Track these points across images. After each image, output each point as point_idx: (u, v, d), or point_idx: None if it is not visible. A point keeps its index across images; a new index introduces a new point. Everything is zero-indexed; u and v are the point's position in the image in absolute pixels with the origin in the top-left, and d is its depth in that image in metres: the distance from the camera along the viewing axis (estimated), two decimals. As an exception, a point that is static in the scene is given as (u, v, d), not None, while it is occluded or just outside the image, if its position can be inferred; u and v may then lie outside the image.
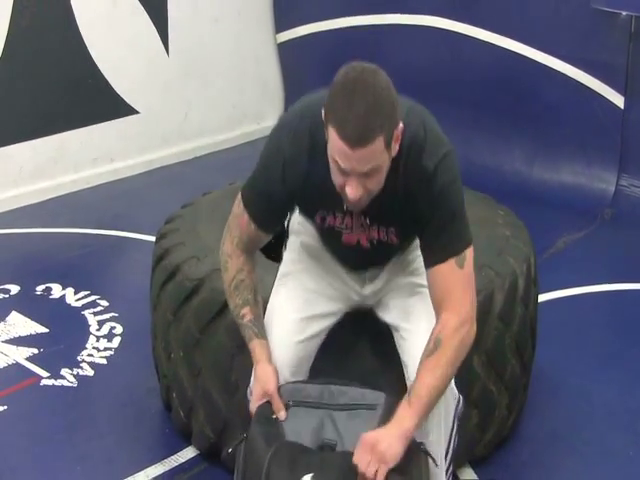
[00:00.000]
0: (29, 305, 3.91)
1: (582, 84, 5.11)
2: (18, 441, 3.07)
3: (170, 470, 2.92)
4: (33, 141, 5.08)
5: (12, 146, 4.99)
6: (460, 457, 2.74)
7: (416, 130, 2.11)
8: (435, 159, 2.11)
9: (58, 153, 5.22)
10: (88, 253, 4.48)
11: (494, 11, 5.34)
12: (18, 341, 3.62)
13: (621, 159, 5.10)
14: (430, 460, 2.17)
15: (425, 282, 2.27)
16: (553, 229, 4.78)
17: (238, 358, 2.68)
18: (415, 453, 2.13)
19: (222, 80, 6.07)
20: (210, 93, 6.01)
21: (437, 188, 2.12)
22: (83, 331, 3.70)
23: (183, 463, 2.96)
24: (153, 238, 3.16)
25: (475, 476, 2.88)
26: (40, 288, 4.06)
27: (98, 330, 3.71)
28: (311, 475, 2.03)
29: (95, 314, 3.84)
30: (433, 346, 2.14)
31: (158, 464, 2.95)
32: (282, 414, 2.20)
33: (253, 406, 2.26)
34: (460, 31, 5.44)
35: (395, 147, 2.05)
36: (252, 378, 2.35)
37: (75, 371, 3.42)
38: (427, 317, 2.26)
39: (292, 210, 2.42)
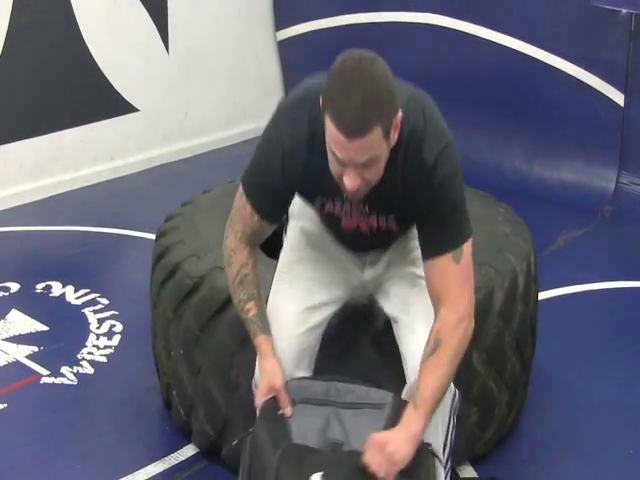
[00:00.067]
0: (29, 303, 3.91)
1: (582, 82, 5.11)
2: (18, 439, 3.07)
3: (170, 468, 2.92)
4: (33, 139, 5.08)
5: (12, 144, 5.00)
6: (460, 455, 2.75)
7: (416, 120, 2.09)
8: (435, 151, 2.09)
9: (58, 151, 5.22)
10: (88, 251, 4.48)
11: (494, 9, 5.34)
12: (18, 339, 3.62)
13: (621, 157, 5.10)
14: (436, 460, 2.17)
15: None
16: (553, 227, 4.78)
17: (238, 356, 2.68)
18: (423, 455, 2.12)
19: (222, 78, 6.07)
20: (210, 91, 6.01)
21: (437, 181, 2.10)
22: (83, 329, 3.70)
23: (183, 461, 2.95)
24: (153, 236, 3.16)
25: (475, 474, 2.88)
26: (40, 286, 4.06)
27: (98, 328, 3.71)
28: (320, 474, 2.02)
29: (95, 312, 3.84)
30: (433, 345, 2.14)
31: (158, 462, 2.94)
32: (288, 410, 2.19)
33: (259, 401, 2.23)
34: (460, 29, 5.44)
35: (394, 136, 2.02)
36: (256, 372, 2.34)
37: (75, 369, 3.42)
38: (426, 312, 2.25)
39: (293, 197, 2.39)
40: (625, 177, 5.09)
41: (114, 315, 3.81)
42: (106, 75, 5.35)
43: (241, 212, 2.29)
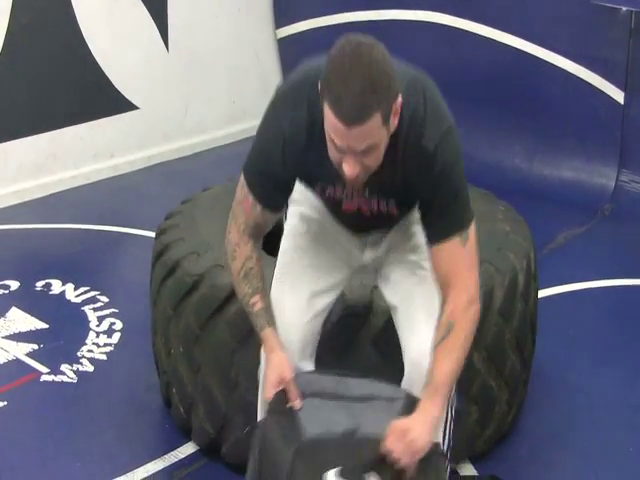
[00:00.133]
0: (29, 301, 3.91)
1: (582, 80, 5.10)
2: (18, 437, 3.07)
3: (170, 466, 2.92)
4: (33, 137, 5.08)
5: (13, 142, 5.00)
6: (460, 453, 2.75)
7: (416, 104, 2.06)
8: (435, 137, 2.07)
9: (58, 149, 5.22)
10: (88, 249, 4.48)
11: (494, 7, 5.34)
12: (18, 337, 3.63)
13: (621, 155, 5.10)
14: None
15: (425, 264, 2.27)
16: (553, 225, 4.78)
17: (238, 354, 2.68)
18: (434, 455, 2.09)
19: (222, 76, 6.07)
20: (210, 89, 6.01)
21: (438, 169, 2.08)
22: (83, 327, 3.71)
23: (183, 459, 2.96)
24: (153, 234, 3.16)
25: (475, 471, 2.88)
26: (40, 284, 4.06)
27: (98, 326, 3.71)
28: (335, 470, 2.00)
29: (95, 310, 3.84)
30: (445, 330, 2.12)
31: (158, 460, 2.95)
32: (297, 403, 2.15)
33: (269, 393, 2.19)
34: (460, 27, 5.44)
35: (394, 122, 1.99)
36: (262, 366, 2.33)
37: (75, 367, 3.42)
38: (426, 305, 2.26)
39: (294, 184, 2.35)
40: (625, 175, 5.10)
41: (114, 313, 3.81)
42: (106, 73, 5.35)
43: (243, 204, 2.28)
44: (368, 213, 2.26)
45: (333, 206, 2.32)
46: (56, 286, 4.04)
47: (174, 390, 2.98)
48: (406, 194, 2.19)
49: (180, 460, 2.95)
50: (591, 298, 4.09)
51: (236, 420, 2.75)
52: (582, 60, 5.08)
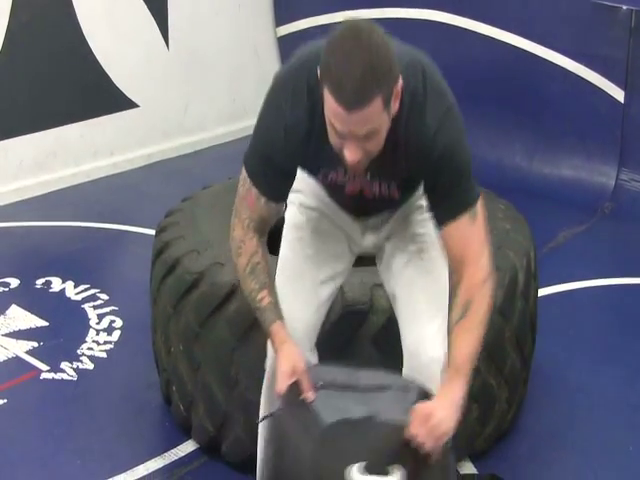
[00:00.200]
0: (29, 298, 3.91)
1: (582, 78, 5.10)
2: (18, 435, 3.07)
3: (170, 464, 2.93)
4: (33, 134, 5.08)
5: (13, 139, 4.99)
6: (460, 451, 2.75)
7: (415, 86, 2.05)
8: (436, 120, 2.06)
9: (58, 147, 5.22)
10: (88, 246, 4.48)
11: (494, 5, 5.34)
12: (18, 334, 3.63)
13: (621, 153, 5.10)
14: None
15: (425, 254, 2.27)
16: (553, 223, 4.78)
17: (238, 352, 2.68)
18: (445, 452, 2.07)
19: (222, 74, 6.07)
20: (210, 87, 6.01)
21: (440, 151, 2.07)
22: (83, 325, 3.71)
23: (183, 457, 2.96)
24: (153, 232, 3.16)
25: (475, 470, 2.88)
26: (40, 281, 4.06)
27: (98, 324, 3.71)
28: (358, 465, 1.97)
29: (95, 307, 3.84)
30: (462, 309, 2.10)
31: (158, 458, 2.95)
32: (310, 395, 2.12)
33: (282, 384, 2.14)
34: (460, 25, 5.44)
35: (395, 105, 1.97)
36: (270, 360, 2.32)
37: (75, 365, 3.42)
38: (428, 296, 2.26)
39: (296, 173, 2.31)
40: (625, 174, 5.10)
41: (114, 311, 3.81)
42: (106, 71, 5.35)
43: (246, 199, 2.25)
44: (370, 195, 2.24)
45: (335, 190, 2.29)
46: (56, 284, 4.04)
47: (174, 388, 2.98)
48: (409, 177, 2.17)
49: (180, 458, 2.95)
50: (591, 297, 4.09)
51: (236, 418, 2.75)
52: (582, 58, 5.08)
